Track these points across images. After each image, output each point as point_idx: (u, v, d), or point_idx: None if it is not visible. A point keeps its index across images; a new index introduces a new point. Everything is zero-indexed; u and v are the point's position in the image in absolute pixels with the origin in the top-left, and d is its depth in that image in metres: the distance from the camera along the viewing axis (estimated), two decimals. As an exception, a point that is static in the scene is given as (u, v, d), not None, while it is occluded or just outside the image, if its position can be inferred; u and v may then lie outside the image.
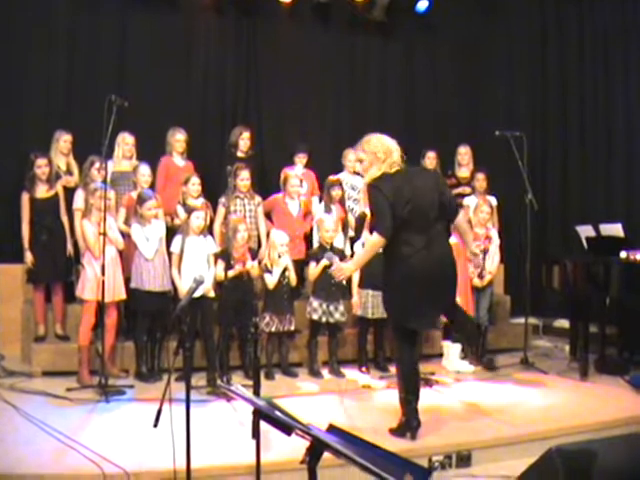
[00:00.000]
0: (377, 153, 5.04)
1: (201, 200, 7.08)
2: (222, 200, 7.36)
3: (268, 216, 7.75)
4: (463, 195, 8.32)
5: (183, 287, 6.58)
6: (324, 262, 6.89)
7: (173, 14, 8.68)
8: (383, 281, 5.26)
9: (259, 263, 6.98)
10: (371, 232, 5.12)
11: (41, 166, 7.09)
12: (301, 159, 8.31)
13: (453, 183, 8.52)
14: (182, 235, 6.72)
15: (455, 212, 5.34)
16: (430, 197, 5.04)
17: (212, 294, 6.70)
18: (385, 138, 5.15)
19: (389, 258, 5.07)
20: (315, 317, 6.98)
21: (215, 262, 6.79)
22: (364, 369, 7.21)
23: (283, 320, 6.92)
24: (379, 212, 4.95)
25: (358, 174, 8.18)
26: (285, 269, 6.95)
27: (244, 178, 7.38)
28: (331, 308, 6.95)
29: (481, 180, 8.23)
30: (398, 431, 5.20)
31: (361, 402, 6.16)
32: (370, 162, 5.09)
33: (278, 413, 2.76)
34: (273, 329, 6.87)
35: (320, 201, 8.06)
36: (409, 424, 5.16)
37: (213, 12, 8.96)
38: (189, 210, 6.85)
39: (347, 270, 5.36)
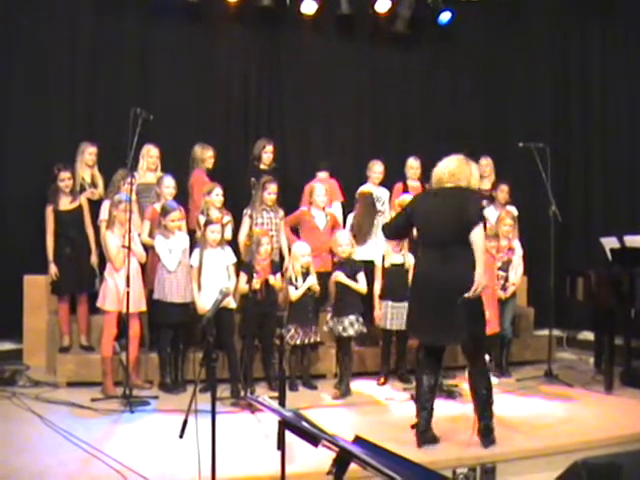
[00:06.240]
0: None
1: (226, 218, 7.10)
2: (248, 212, 7.31)
3: (295, 230, 7.74)
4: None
5: (201, 300, 6.61)
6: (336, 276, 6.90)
7: (196, 26, 8.75)
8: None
9: (282, 276, 6.98)
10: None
11: (64, 179, 7.16)
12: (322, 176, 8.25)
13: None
14: (200, 248, 6.74)
15: (469, 227, 5.00)
16: (450, 217, 5.03)
17: (233, 305, 6.70)
18: (443, 162, 5.32)
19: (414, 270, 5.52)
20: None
21: (237, 273, 6.80)
22: (382, 379, 7.19)
23: (308, 332, 6.90)
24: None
25: (382, 185, 8.19)
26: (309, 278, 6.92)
27: (272, 192, 7.38)
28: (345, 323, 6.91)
29: (505, 192, 8.20)
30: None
31: (383, 414, 6.14)
32: None
33: (305, 424, 2.76)
34: (298, 342, 6.86)
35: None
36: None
37: (237, 24, 9.01)
38: (206, 223, 6.83)
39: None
